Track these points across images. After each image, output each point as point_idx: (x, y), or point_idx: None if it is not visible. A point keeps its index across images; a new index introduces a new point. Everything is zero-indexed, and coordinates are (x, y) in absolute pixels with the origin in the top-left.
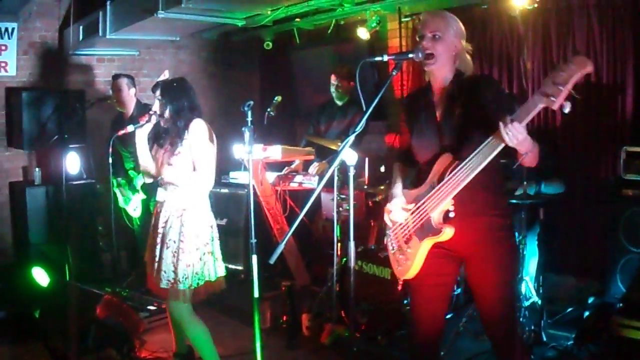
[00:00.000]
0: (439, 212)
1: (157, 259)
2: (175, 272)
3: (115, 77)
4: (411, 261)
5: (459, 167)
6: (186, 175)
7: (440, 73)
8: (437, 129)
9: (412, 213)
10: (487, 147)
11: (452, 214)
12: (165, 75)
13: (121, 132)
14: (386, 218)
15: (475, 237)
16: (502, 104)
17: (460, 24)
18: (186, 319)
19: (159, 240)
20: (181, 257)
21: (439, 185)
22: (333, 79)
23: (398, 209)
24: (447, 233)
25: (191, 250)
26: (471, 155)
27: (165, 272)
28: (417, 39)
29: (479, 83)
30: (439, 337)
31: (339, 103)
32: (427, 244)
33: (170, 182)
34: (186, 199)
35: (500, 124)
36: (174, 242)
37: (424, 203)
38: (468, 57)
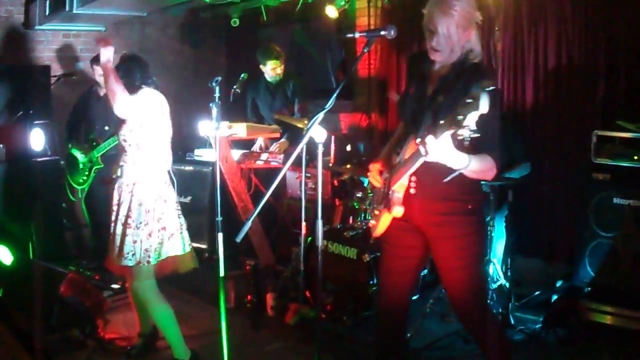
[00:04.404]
0: (399, 187)
1: (111, 236)
2: (121, 247)
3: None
4: (377, 223)
5: (413, 155)
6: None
7: (446, 61)
8: (421, 105)
9: (384, 180)
10: (414, 155)
11: (412, 191)
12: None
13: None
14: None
15: (435, 219)
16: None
17: (469, 8)
18: (149, 298)
19: (113, 217)
20: (128, 232)
21: (402, 163)
22: (273, 65)
23: (374, 172)
24: (396, 211)
25: (139, 225)
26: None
27: (117, 247)
28: (424, 30)
29: (476, 78)
30: (404, 312)
31: (273, 82)
32: (386, 215)
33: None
34: (137, 172)
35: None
36: (124, 216)
37: (391, 174)
38: (475, 37)
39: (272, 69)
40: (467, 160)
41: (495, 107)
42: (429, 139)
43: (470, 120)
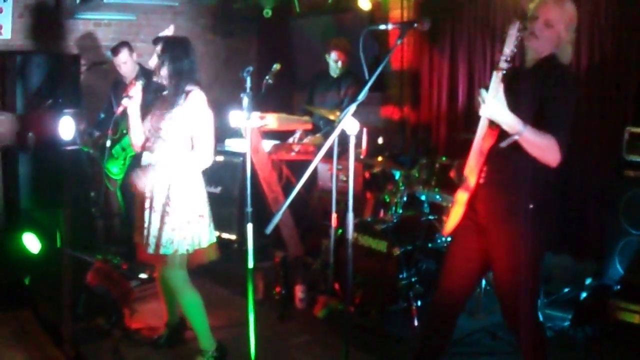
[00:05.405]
0: (469, 171)
1: (146, 224)
2: (159, 236)
3: (116, 51)
4: (448, 218)
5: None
6: (181, 154)
7: (537, 52)
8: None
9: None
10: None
11: (482, 180)
12: (170, 31)
13: (120, 110)
14: None
15: (496, 213)
16: (552, 101)
17: (574, 14)
18: (180, 286)
19: (147, 204)
20: (166, 220)
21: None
22: (336, 55)
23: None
24: (459, 196)
25: (176, 213)
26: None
27: (154, 237)
28: (528, 16)
29: (556, 76)
30: (455, 314)
31: (334, 75)
32: (455, 208)
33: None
34: (174, 174)
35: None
36: (160, 204)
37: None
38: (570, 47)
39: (334, 61)
40: (522, 126)
41: (565, 91)
42: (482, 91)
43: (507, 50)
